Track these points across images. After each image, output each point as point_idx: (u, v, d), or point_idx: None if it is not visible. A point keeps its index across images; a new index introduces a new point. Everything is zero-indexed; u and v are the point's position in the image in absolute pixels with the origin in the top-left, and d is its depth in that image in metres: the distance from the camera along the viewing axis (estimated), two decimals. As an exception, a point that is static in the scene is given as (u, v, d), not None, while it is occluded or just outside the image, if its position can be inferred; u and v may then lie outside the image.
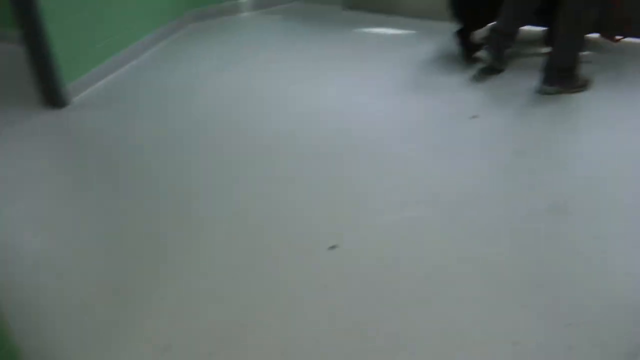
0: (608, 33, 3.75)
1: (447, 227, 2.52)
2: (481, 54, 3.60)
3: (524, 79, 3.62)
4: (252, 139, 3.26)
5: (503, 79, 3.68)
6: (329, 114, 3.45)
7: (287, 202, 2.75)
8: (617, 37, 3.73)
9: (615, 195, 2.64)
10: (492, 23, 3.63)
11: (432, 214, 2.60)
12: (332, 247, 2.43)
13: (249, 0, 4.98)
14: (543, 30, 3.97)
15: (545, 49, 3.63)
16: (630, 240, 2.39)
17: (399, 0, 4.69)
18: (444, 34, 4.24)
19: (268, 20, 4.85)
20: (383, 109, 3.45)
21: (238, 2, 4.95)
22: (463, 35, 3.81)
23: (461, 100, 3.49)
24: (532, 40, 4.00)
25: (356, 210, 2.67)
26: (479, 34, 3.80)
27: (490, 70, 3.69)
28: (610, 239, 2.40)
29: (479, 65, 3.69)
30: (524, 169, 2.87)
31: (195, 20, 4.83)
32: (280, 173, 2.97)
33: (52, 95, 3.66)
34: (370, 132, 3.25)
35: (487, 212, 2.59)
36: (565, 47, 3.39)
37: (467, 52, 3.80)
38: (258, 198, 2.79)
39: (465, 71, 3.78)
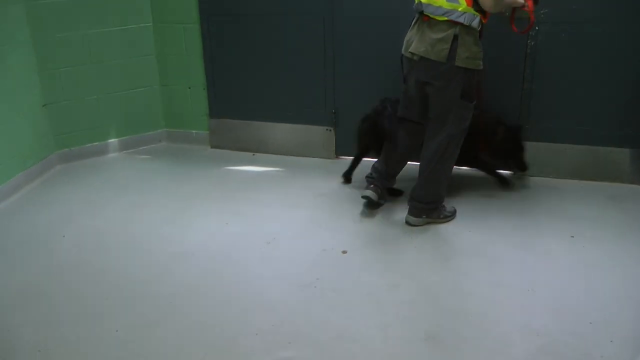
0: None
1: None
2: (367, 192, 3.78)
3: (399, 211, 3.86)
4: (120, 283, 3.25)
5: (378, 211, 3.90)
6: (197, 255, 3.50)
7: (155, 348, 2.74)
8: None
9: (481, 325, 2.84)
10: (375, 162, 3.89)
11: (307, 354, 2.67)
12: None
13: (116, 141, 5.05)
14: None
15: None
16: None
17: (264, 138, 4.94)
18: (310, 171, 4.52)
19: (136, 161, 4.92)
20: (252, 249, 3.54)
21: (105, 143, 5.00)
22: (357, 160, 4.18)
23: (335, 235, 3.65)
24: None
25: (228, 353, 2.69)
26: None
27: (375, 205, 3.87)
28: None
29: (364, 201, 3.85)
30: (394, 301, 3.03)
31: (62, 162, 4.82)
32: (149, 317, 2.96)
33: None
34: (240, 272, 3.32)
35: (363, 346, 2.71)
36: (428, 181, 3.64)
37: (348, 173, 4.17)
38: (125, 346, 2.76)
39: (336, 207, 3.98)
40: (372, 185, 3.81)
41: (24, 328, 2.93)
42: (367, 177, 3.86)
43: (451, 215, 3.79)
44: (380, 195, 3.82)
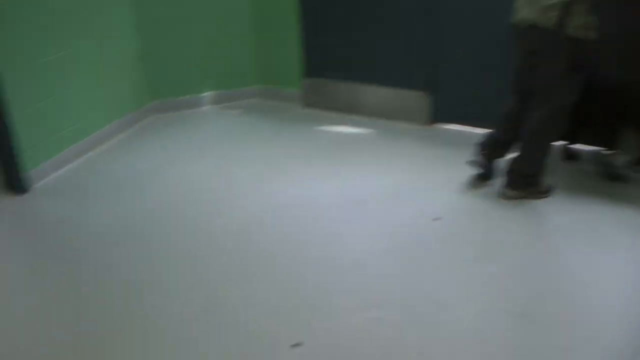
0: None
1: (412, 330, 2.55)
2: (475, 158, 3.69)
3: (496, 183, 3.68)
4: (209, 235, 3.26)
5: (474, 182, 3.75)
6: (287, 212, 3.48)
7: (245, 300, 2.75)
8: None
9: (573, 304, 2.72)
10: (490, 132, 3.72)
11: (396, 316, 2.62)
12: (295, 345, 2.43)
13: (210, 95, 5.07)
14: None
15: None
16: (592, 350, 2.45)
17: (357, 100, 4.85)
18: (404, 136, 4.41)
19: (228, 115, 4.93)
20: (344, 209, 3.49)
21: (199, 96, 5.03)
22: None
23: (427, 202, 3.55)
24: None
25: (319, 309, 2.67)
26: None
27: (482, 173, 3.74)
28: (577, 348, 2.45)
29: (474, 171, 3.74)
30: (484, 274, 2.92)
31: (156, 112, 4.89)
32: (238, 271, 2.97)
33: (13, 181, 3.63)
34: (331, 232, 3.27)
35: (451, 314, 2.63)
36: (529, 153, 3.49)
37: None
38: (215, 296, 2.77)
39: (429, 174, 3.87)
40: (481, 152, 3.68)
41: (120, 265, 3.01)
42: (478, 144, 3.72)
43: (548, 192, 3.61)
44: (489, 165, 3.70)
